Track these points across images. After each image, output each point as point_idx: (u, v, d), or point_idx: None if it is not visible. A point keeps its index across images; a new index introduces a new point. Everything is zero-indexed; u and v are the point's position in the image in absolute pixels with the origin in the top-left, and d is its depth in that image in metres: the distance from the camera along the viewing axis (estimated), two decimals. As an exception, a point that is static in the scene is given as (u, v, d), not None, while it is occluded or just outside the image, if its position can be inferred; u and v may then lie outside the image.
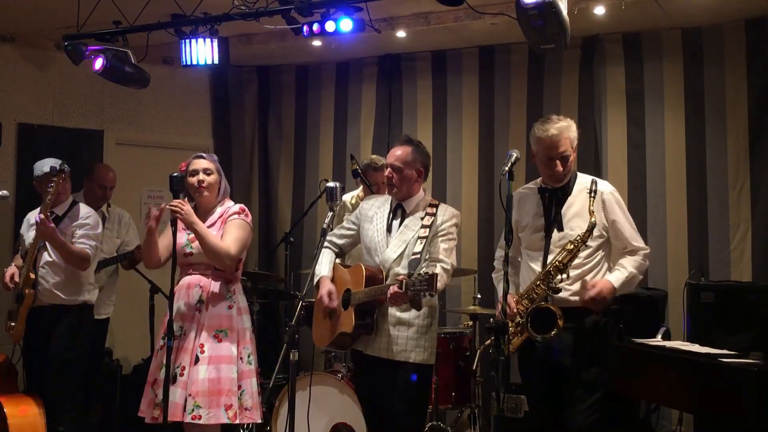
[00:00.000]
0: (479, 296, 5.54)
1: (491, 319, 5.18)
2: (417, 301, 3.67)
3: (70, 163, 4.96)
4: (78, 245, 4.80)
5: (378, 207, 4.09)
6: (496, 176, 6.35)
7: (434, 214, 3.91)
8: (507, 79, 6.57)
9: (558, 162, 3.78)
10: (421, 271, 3.59)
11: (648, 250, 3.87)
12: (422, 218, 3.91)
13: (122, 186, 7.07)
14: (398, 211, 4.00)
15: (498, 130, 6.57)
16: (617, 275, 3.74)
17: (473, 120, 6.69)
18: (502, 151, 6.31)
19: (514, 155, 3.58)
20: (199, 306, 4.00)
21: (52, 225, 4.65)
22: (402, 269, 3.82)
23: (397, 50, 6.85)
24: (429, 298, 3.80)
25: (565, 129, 3.79)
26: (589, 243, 3.75)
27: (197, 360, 3.91)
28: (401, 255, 3.86)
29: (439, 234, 3.87)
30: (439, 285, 3.68)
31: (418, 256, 3.80)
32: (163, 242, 4.12)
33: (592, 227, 3.66)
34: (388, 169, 3.98)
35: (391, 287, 3.65)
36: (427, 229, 3.86)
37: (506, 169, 3.53)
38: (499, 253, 4.08)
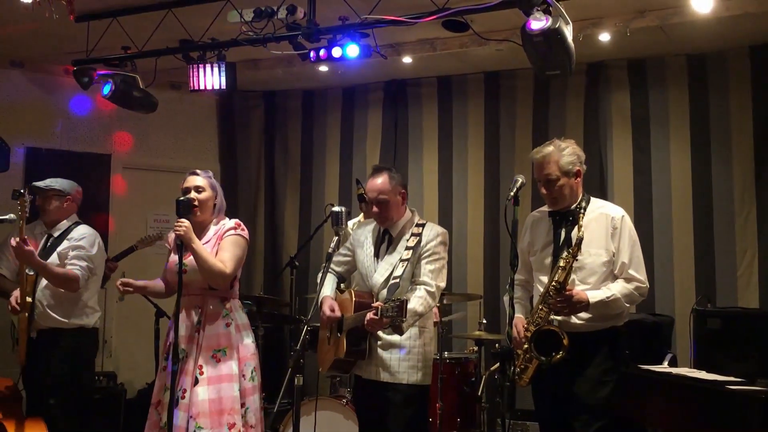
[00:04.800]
0: (484, 321, 5.52)
1: (497, 345, 5.17)
2: (396, 326, 3.67)
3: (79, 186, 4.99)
4: (68, 266, 4.74)
5: (369, 232, 4.13)
6: (501, 201, 6.36)
7: (419, 235, 3.92)
8: (512, 104, 6.59)
9: (544, 185, 3.81)
10: (393, 297, 3.62)
11: (645, 286, 3.77)
12: (408, 239, 3.93)
13: (129, 210, 7.12)
14: (385, 236, 4.04)
15: (503, 156, 6.58)
16: (597, 292, 3.68)
17: (479, 145, 6.70)
18: (508, 177, 6.31)
19: (520, 180, 3.59)
20: (198, 327, 3.99)
21: (29, 248, 4.56)
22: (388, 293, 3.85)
23: (402, 76, 6.90)
24: (410, 320, 3.75)
25: (550, 153, 3.79)
26: (596, 268, 3.73)
27: (196, 382, 3.89)
28: (387, 279, 3.89)
29: (424, 255, 3.89)
30: (420, 308, 3.72)
31: (398, 280, 3.81)
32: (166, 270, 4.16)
33: (579, 241, 3.64)
34: (375, 203, 3.97)
35: (368, 314, 3.70)
36: (411, 251, 3.87)
37: (512, 194, 3.54)
38: (510, 277, 4.05)
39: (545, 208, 3.95)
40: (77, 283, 4.71)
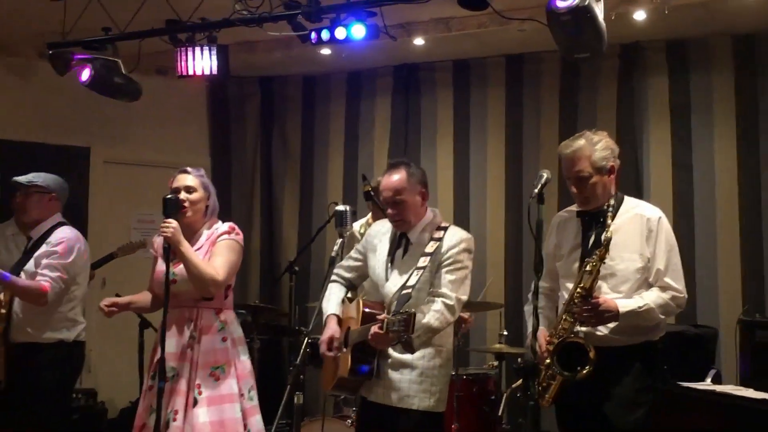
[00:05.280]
0: (506, 333, 5.52)
1: (519, 359, 5.17)
2: (406, 342, 3.55)
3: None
4: (38, 276, 4.64)
5: (383, 234, 4.04)
6: (525, 200, 6.35)
7: (440, 240, 3.83)
8: (537, 91, 6.59)
9: (573, 182, 3.79)
10: (401, 310, 3.51)
11: (683, 296, 3.73)
12: (426, 245, 3.84)
13: (109, 209, 7.14)
14: (402, 240, 3.94)
15: (527, 149, 6.58)
16: (628, 301, 3.66)
17: (499, 137, 6.71)
18: (532, 172, 6.32)
19: (545, 176, 3.58)
20: (190, 342, 3.99)
21: None
22: None
23: (414, 59, 6.90)
24: (423, 337, 3.65)
25: (581, 147, 3.77)
26: (629, 275, 3.72)
27: (195, 402, 3.89)
28: (400, 289, 3.79)
29: (444, 263, 3.79)
30: (435, 323, 3.63)
31: (410, 291, 3.72)
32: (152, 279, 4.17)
33: (607, 242, 3.63)
34: (391, 204, 3.87)
35: (373, 327, 3.61)
36: (428, 258, 3.78)
37: (536, 191, 3.53)
38: (533, 284, 4.03)
39: (573, 208, 3.94)
40: (45, 298, 4.59)
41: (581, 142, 3.79)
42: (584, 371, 3.54)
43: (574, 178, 3.77)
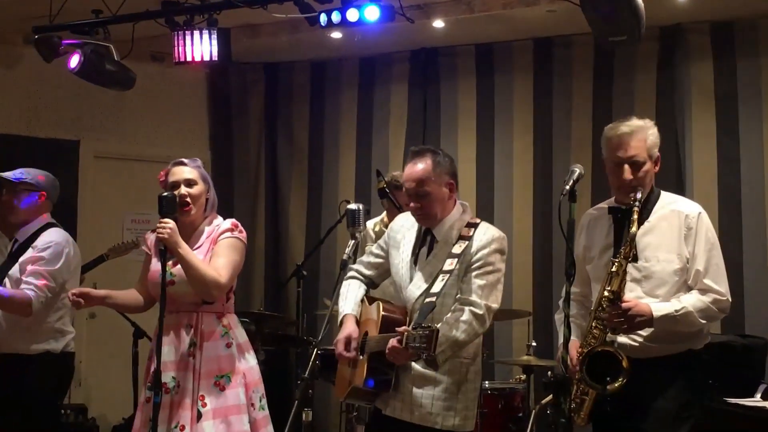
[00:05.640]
0: (534, 344, 5.51)
1: (549, 373, 5.16)
2: (430, 360, 3.51)
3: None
4: (22, 285, 4.62)
5: (408, 229, 3.98)
6: (555, 197, 6.34)
7: (469, 238, 3.78)
8: (568, 79, 6.58)
9: (626, 168, 3.75)
10: (425, 323, 3.47)
11: (726, 299, 3.69)
12: (453, 243, 3.79)
13: (100, 209, 7.17)
14: (427, 237, 3.89)
15: (557, 141, 6.57)
16: (663, 305, 3.62)
17: (526, 128, 6.70)
18: (563, 167, 6.30)
19: (577, 171, 3.57)
20: (191, 350, 3.99)
21: None
22: None
23: (433, 43, 6.90)
24: (448, 351, 3.61)
25: (639, 129, 3.75)
26: (666, 278, 3.70)
27: (199, 416, 3.90)
28: (423, 295, 3.75)
29: (474, 266, 3.73)
30: (462, 336, 3.59)
31: (434, 298, 3.65)
32: (142, 279, 4.14)
33: (632, 238, 3.61)
34: (413, 197, 3.81)
35: (391, 341, 3.58)
36: (455, 260, 3.72)
37: (567, 188, 3.52)
38: (564, 290, 4.01)
39: (604, 204, 3.93)
40: (29, 308, 4.57)
41: (638, 122, 3.76)
42: (616, 383, 3.50)
43: (629, 161, 3.72)
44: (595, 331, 3.65)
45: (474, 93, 6.90)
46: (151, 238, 4.15)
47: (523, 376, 5.45)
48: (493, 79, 6.84)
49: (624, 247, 3.61)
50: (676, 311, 3.60)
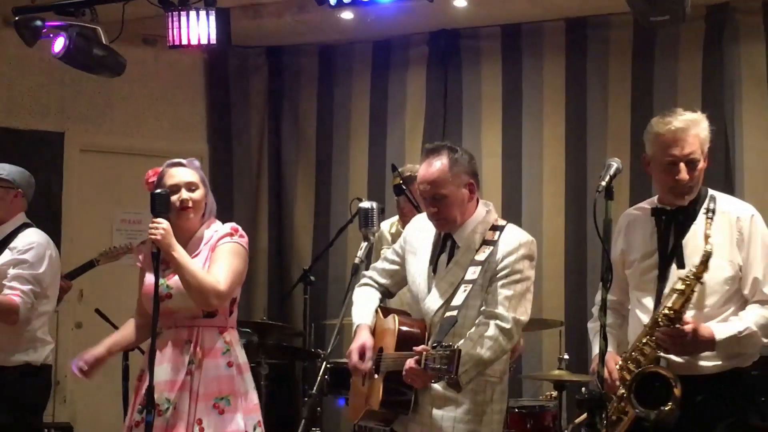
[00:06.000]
0: (566, 357, 5.50)
1: (583, 389, 5.16)
2: (453, 382, 3.49)
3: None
4: (5, 290, 4.67)
5: (426, 232, 3.95)
6: (589, 195, 6.33)
7: (494, 243, 3.75)
8: (604, 63, 6.56)
9: (682, 166, 3.73)
10: (445, 342, 3.44)
11: None
12: (476, 249, 3.77)
13: (87, 207, 7.18)
14: (447, 242, 3.87)
15: (592, 132, 6.55)
16: (725, 326, 3.60)
17: (558, 118, 6.69)
18: (598, 161, 6.29)
19: (614, 165, 3.56)
20: (190, 368, 4.00)
21: None
22: None
23: (455, 24, 6.90)
24: (472, 371, 3.58)
25: (693, 123, 3.72)
26: (715, 287, 3.69)
27: (196, 441, 3.92)
28: (443, 308, 3.73)
29: (500, 274, 3.71)
30: (487, 354, 3.58)
31: (455, 312, 3.63)
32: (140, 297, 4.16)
33: (706, 258, 3.60)
34: (429, 200, 3.79)
35: (409, 361, 3.57)
36: (479, 268, 3.70)
37: (603, 184, 3.51)
38: (600, 296, 4.00)
39: (646, 204, 3.91)
40: (16, 315, 4.64)
41: (691, 115, 3.73)
42: (666, 408, 3.50)
43: (686, 160, 3.70)
44: (645, 348, 3.64)
45: (499, 79, 6.89)
46: (143, 249, 4.13)
47: (554, 393, 5.43)
48: (520, 64, 6.83)
49: (697, 267, 3.58)
50: (740, 332, 3.57)
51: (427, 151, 3.85)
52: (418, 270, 3.90)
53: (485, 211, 3.86)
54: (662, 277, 3.73)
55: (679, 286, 3.60)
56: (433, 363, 3.40)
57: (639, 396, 3.61)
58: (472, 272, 3.70)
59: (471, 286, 3.67)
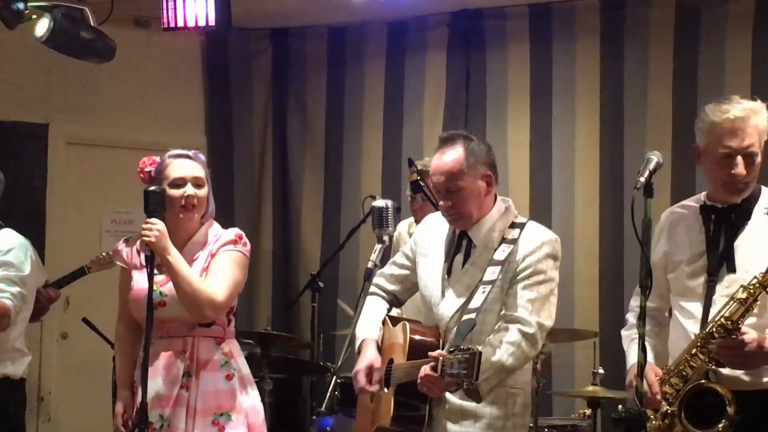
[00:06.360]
0: (601, 371, 5.49)
1: (620, 407, 5.14)
2: (470, 390, 3.51)
3: (3, 169, 5.04)
4: None
5: (438, 232, 3.98)
6: (626, 191, 6.32)
7: (514, 241, 3.77)
8: (643, 44, 6.54)
9: (739, 160, 3.71)
10: (463, 345, 3.44)
11: None
12: (495, 248, 3.79)
13: (74, 205, 7.20)
14: (462, 241, 3.89)
15: (630, 121, 6.54)
16: None
17: (591, 105, 6.69)
18: (636, 153, 6.27)
19: (654, 159, 3.55)
20: (185, 382, 4.01)
21: None
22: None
23: (478, 4, 6.92)
24: (493, 380, 3.59)
25: (752, 112, 3.69)
26: (762, 292, 3.69)
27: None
28: (459, 311, 3.74)
29: (521, 275, 3.73)
30: (509, 361, 3.59)
31: (473, 315, 3.64)
32: (124, 302, 4.15)
33: None
34: (443, 194, 3.81)
35: (424, 368, 3.58)
36: (498, 268, 3.72)
37: (642, 180, 3.50)
38: (635, 302, 4.00)
39: (693, 202, 3.90)
40: (8, 319, 4.66)
41: (750, 104, 3.70)
42: (720, 427, 3.50)
43: (745, 153, 3.69)
44: (694, 360, 3.63)
45: (527, 63, 6.89)
46: (123, 249, 4.14)
47: (588, 411, 5.43)
48: (550, 47, 6.83)
49: (764, 274, 3.56)
50: None
51: (442, 140, 3.87)
52: (430, 273, 3.91)
53: (504, 207, 3.88)
54: (711, 282, 3.72)
55: (741, 294, 3.58)
56: (451, 368, 3.41)
57: (688, 414, 3.61)
58: (491, 272, 3.71)
59: (490, 287, 3.69)
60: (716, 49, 6.34)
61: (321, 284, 6.25)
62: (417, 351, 3.73)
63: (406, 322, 3.90)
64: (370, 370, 3.82)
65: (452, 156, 3.78)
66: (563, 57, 6.79)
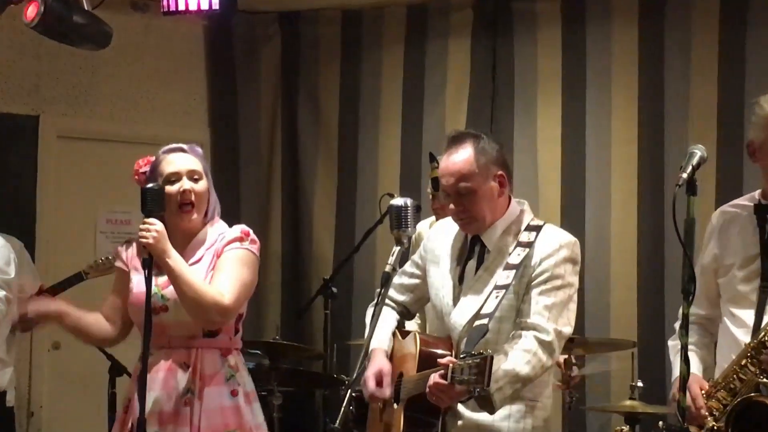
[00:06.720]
0: (640, 385, 5.49)
1: (661, 423, 5.14)
2: (482, 398, 3.54)
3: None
4: None
5: (450, 237, 4.03)
6: (667, 188, 6.32)
7: (530, 245, 3.81)
8: (685, 29, 6.53)
9: None
10: (472, 352, 3.47)
11: None
12: (510, 252, 3.83)
13: (66, 203, 7.23)
14: (475, 246, 3.93)
15: (670, 111, 6.54)
16: None
17: (630, 96, 6.68)
18: (678, 148, 6.28)
19: (698, 154, 3.55)
20: (188, 398, 4.02)
21: None
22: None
23: (505, -16, 6.92)
24: (507, 390, 3.61)
25: None
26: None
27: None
28: (473, 318, 3.77)
29: (537, 280, 3.76)
30: (524, 370, 3.61)
31: (486, 321, 3.68)
32: (111, 302, 4.16)
33: None
34: (453, 197, 3.85)
35: (433, 375, 3.60)
36: (513, 272, 3.75)
37: (684, 176, 3.50)
38: (682, 311, 4.00)
39: (746, 201, 3.90)
40: None
41: None
42: None
43: None
44: (743, 372, 3.64)
45: (559, 49, 6.90)
46: (126, 251, 4.15)
47: (626, 428, 5.42)
48: (584, 31, 6.82)
49: None
50: None
51: (450, 140, 3.92)
52: (441, 281, 3.96)
53: (519, 210, 3.93)
54: (765, 288, 3.72)
55: None
56: (461, 374, 3.43)
57: (736, 431, 3.61)
58: (505, 276, 3.75)
59: (504, 291, 3.72)
60: (765, 34, 6.33)
61: (334, 290, 6.27)
62: (428, 363, 3.76)
63: (417, 333, 3.94)
64: (380, 375, 3.86)
65: (461, 156, 3.83)
66: (598, 42, 6.78)
